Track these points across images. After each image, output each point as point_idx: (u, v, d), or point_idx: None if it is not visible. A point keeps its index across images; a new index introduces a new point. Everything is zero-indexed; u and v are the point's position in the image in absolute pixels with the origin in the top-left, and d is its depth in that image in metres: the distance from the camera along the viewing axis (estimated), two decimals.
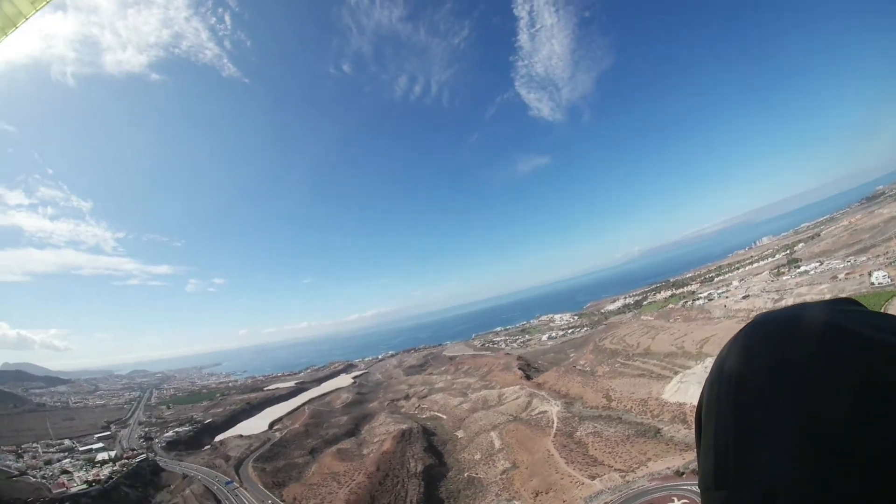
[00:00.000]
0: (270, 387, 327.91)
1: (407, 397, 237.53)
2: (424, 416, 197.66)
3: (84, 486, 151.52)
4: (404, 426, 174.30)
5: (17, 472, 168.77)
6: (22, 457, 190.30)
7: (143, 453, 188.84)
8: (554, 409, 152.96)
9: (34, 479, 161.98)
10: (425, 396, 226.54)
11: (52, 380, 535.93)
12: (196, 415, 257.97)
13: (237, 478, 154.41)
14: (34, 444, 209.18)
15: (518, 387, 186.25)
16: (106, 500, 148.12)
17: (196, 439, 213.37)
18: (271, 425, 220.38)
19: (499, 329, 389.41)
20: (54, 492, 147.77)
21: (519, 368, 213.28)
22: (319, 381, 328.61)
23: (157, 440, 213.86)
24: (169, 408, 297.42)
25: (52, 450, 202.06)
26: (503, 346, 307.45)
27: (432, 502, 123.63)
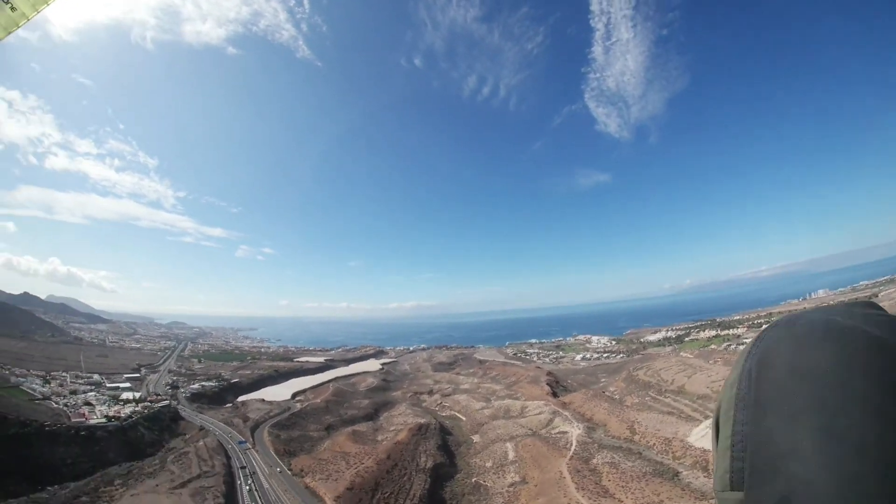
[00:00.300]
0: (300, 359, 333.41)
1: (430, 392, 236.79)
2: (444, 415, 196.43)
3: (103, 419, 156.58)
4: (422, 420, 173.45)
5: (40, 396, 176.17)
6: (49, 383, 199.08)
7: (166, 400, 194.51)
8: (575, 431, 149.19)
9: (56, 405, 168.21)
10: (449, 395, 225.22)
11: (93, 317, 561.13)
12: (224, 373, 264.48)
13: (251, 439, 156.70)
14: (64, 374, 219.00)
15: (543, 402, 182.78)
16: (122, 436, 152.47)
17: (220, 396, 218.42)
18: (294, 395, 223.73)
19: (533, 341, 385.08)
20: (72, 420, 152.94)
21: (547, 384, 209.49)
22: (348, 361, 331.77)
23: (182, 390, 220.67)
24: (200, 362, 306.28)
25: (80, 381, 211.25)
26: (535, 358, 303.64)
27: (434, 501, 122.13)
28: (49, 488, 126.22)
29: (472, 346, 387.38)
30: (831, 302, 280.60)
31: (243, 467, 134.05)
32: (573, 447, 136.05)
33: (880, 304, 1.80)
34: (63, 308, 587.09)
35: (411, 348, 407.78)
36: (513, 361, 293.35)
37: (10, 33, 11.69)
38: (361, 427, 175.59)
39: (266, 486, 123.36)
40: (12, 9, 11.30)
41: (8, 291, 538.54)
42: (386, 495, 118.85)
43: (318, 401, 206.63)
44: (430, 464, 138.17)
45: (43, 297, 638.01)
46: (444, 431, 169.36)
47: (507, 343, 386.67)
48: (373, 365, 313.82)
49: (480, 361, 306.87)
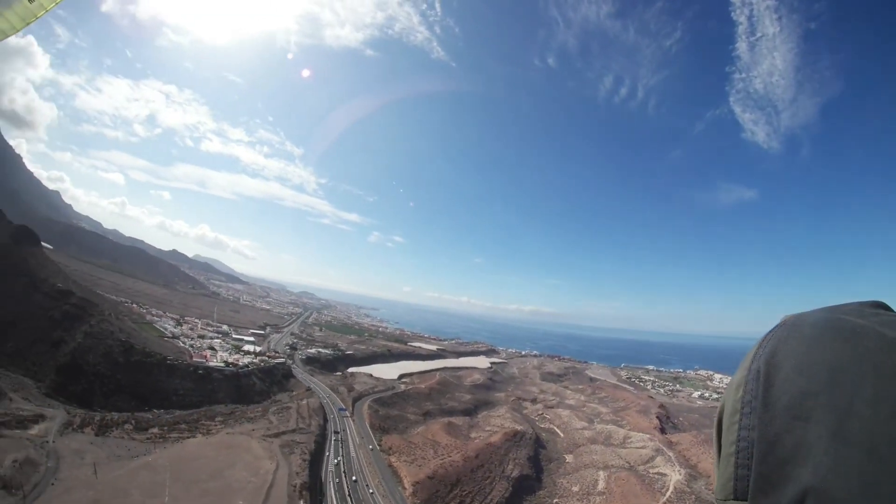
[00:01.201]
0: (414, 343, 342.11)
1: (534, 401, 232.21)
2: (542, 426, 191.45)
3: (222, 364, 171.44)
4: (519, 427, 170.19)
5: (170, 335, 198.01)
6: (181, 325, 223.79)
7: (283, 358, 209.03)
8: (675, 475, 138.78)
9: (182, 345, 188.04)
10: (552, 407, 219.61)
11: (232, 278, 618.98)
12: (341, 344, 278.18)
13: (351, 409, 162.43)
14: (196, 320, 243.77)
15: (648, 436, 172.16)
16: (235, 380, 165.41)
17: (332, 364, 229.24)
18: (400, 377, 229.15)
19: (650, 367, 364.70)
20: (194, 359, 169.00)
21: (657, 417, 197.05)
22: (459, 354, 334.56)
23: (299, 352, 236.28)
24: (321, 330, 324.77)
25: (209, 329, 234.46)
26: (649, 387, 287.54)
27: None
28: (155, 410, 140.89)
29: (585, 362, 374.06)
30: None
31: (337, 432, 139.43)
32: (668, 492, 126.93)
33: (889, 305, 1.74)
34: (207, 267, 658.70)
35: (523, 352, 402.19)
36: (624, 385, 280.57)
37: (28, 24, 11.77)
38: (458, 420, 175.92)
39: (353, 454, 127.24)
40: (29, 1, 11.30)
41: (158, 247, 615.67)
42: (464, 493, 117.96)
43: (423, 386, 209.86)
44: (516, 473, 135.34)
45: (190, 255, 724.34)
46: (538, 444, 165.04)
47: (622, 364, 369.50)
48: (482, 362, 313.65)
49: (591, 379, 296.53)
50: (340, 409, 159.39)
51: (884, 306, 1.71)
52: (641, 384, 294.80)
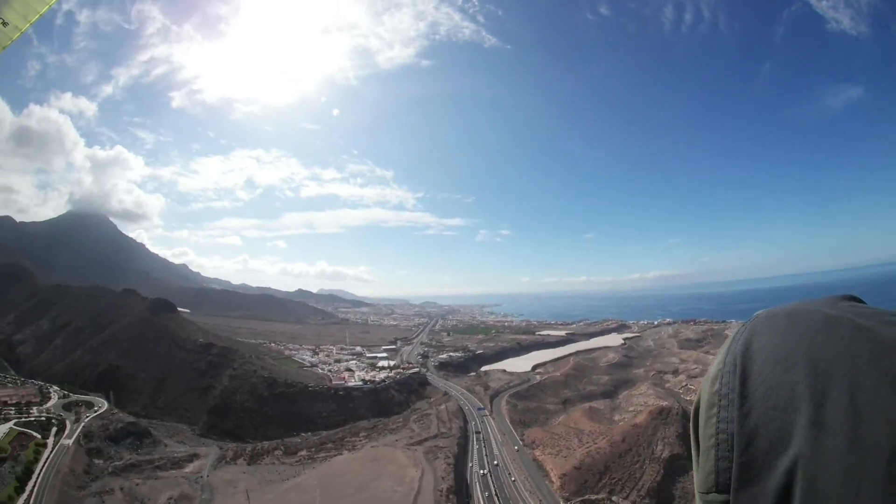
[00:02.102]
0: (542, 332, 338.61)
1: (675, 372, 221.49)
2: (689, 399, 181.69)
3: (360, 382, 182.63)
4: (664, 403, 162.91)
5: (309, 364, 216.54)
6: (317, 354, 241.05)
7: (416, 368, 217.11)
8: None
9: (321, 371, 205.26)
10: (695, 377, 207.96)
11: (357, 303, 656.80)
12: (470, 345, 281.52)
13: (489, 407, 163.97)
14: (331, 347, 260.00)
15: None
16: (374, 396, 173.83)
17: (464, 365, 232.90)
18: (534, 368, 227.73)
19: None
20: (334, 382, 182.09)
21: None
22: (589, 335, 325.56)
23: (431, 359, 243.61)
24: (449, 335, 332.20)
25: (344, 352, 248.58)
26: None
27: (663, 497, 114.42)
28: (302, 434, 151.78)
29: (724, 321, 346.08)
30: None
31: (478, 432, 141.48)
32: None
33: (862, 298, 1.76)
34: (332, 298, 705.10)
35: (655, 322, 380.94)
36: None
37: (4, 48, 11.92)
38: (598, 404, 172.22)
39: (496, 452, 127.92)
40: (4, 24, 11.48)
41: (285, 290, 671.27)
42: (613, 481, 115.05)
43: (558, 374, 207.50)
44: (666, 454, 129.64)
45: (315, 291, 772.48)
46: (686, 418, 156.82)
47: None
48: (614, 339, 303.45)
49: None
50: (479, 409, 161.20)
51: (856, 299, 1.73)
52: None
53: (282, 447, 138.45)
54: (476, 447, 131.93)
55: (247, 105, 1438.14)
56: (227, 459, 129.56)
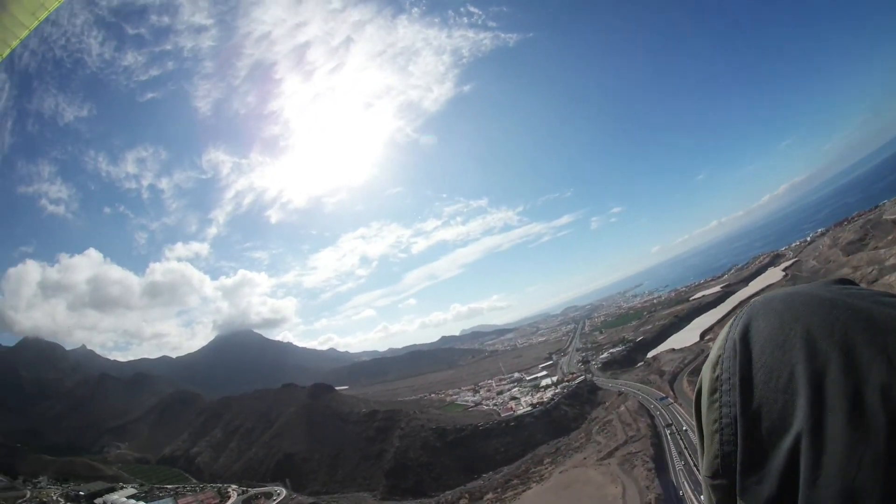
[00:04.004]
0: (695, 296, 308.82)
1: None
2: None
3: (528, 408, 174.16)
4: None
5: (472, 404, 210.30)
6: (478, 392, 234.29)
7: (581, 375, 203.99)
8: None
9: (486, 408, 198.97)
10: (875, 281, 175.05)
11: (500, 331, 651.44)
12: (627, 335, 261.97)
13: (671, 392, 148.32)
14: (489, 381, 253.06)
15: None
16: (547, 417, 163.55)
17: (629, 357, 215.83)
18: (702, 336, 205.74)
19: None
20: (503, 415, 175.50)
21: None
22: (746, 280, 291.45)
23: (593, 362, 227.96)
24: (601, 332, 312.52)
25: (503, 383, 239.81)
26: None
27: None
28: (484, 475, 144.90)
29: (876, 206, 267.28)
30: None
31: (669, 424, 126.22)
32: None
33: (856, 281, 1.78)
34: (475, 334, 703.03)
35: (808, 238, 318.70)
36: None
37: (11, 48, 12.00)
38: None
39: (695, 442, 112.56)
40: (10, 20, 11.20)
41: (429, 342, 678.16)
42: None
43: None
44: None
45: (457, 333, 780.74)
46: None
47: None
48: (774, 274, 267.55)
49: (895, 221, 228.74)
50: (661, 399, 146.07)
51: (850, 282, 1.74)
52: None
53: (466, 495, 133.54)
54: (672, 442, 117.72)
55: (333, 196, 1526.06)
56: None
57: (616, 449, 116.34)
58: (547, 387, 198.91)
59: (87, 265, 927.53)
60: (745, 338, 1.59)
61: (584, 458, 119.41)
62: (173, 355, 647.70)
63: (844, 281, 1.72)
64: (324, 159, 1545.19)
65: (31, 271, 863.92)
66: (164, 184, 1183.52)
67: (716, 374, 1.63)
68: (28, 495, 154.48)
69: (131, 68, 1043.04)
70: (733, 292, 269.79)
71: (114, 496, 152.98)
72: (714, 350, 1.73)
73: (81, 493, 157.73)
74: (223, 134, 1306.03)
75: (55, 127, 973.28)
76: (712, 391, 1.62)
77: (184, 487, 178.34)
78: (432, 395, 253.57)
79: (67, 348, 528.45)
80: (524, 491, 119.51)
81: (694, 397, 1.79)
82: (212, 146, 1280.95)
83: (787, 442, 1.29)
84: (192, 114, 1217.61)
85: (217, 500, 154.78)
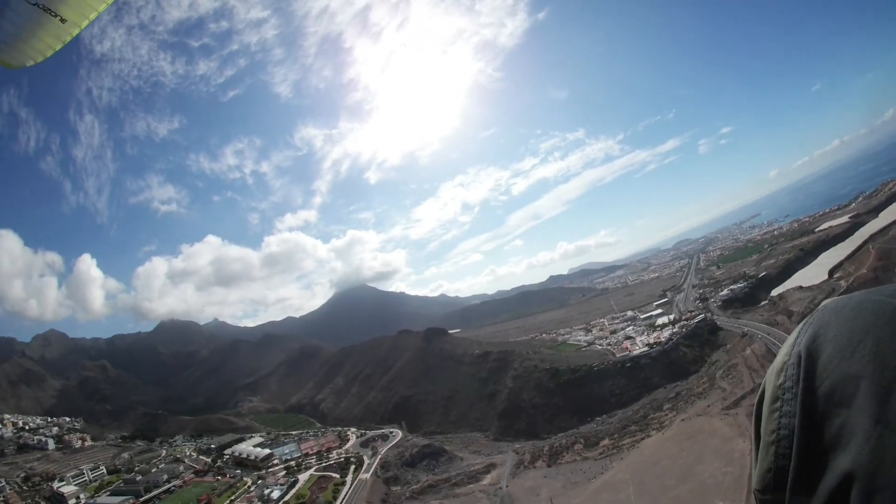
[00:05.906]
0: (821, 227, 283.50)
1: None
2: None
3: (645, 348, 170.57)
4: None
5: (585, 344, 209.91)
6: (590, 331, 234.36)
7: (700, 314, 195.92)
8: None
9: (600, 347, 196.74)
10: None
11: (610, 268, 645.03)
12: (748, 270, 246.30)
13: None
14: (601, 319, 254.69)
15: None
16: (665, 359, 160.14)
17: (751, 295, 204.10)
18: (831, 273, 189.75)
19: None
20: (618, 356, 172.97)
21: None
22: (875, 210, 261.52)
23: (712, 300, 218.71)
24: (719, 267, 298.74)
25: (616, 321, 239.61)
26: None
27: None
28: (598, 418, 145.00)
29: None
30: None
31: None
32: None
33: None
34: (584, 272, 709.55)
35: None
36: None
37: (63, 44, 12.12)
38: None
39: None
40: (62, 21, 11.46)
41: (538, 282, 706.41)
42: None
43: (864, 271, 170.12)
44: None
45: (566, 272, 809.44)
46: None
47: None
48: None
49: None
50: None
51: None
52: None
53: (581, 440, 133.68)
54: None
55: (426, 148, 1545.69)
56: (525, 464, 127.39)
57: (743, 397, 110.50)
58: (664, 325, 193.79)
59: (207, 250, 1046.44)
60: (812, 346, 1.53)
61: (708, 406, 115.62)
62: (297, 315, 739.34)
63: None
64: (410, 114, 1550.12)
65: (157, 266, 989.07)
66: (264, 167, 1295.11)
67: (779, 381, 1.59)
68: (164, 454, 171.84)
69: (207, 75, 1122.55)
70: (863, 223, 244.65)
71: (241, 445, 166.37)
72: (780, 355, 1.68)
73: (213, 445, 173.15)
74: (309, 111, 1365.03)
75: (152, 143, 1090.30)
76: (774, 399, 1.58)
77: (307, 432, 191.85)
78: (544, 335, 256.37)
79: (201, 323, 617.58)
80: (643, 438, 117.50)
81: (755, 403, 1.73)
82: (301, 124, 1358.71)
83: (844, 462, 1.24)
84: (275, 99, 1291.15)
85: (337, 443, 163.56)
